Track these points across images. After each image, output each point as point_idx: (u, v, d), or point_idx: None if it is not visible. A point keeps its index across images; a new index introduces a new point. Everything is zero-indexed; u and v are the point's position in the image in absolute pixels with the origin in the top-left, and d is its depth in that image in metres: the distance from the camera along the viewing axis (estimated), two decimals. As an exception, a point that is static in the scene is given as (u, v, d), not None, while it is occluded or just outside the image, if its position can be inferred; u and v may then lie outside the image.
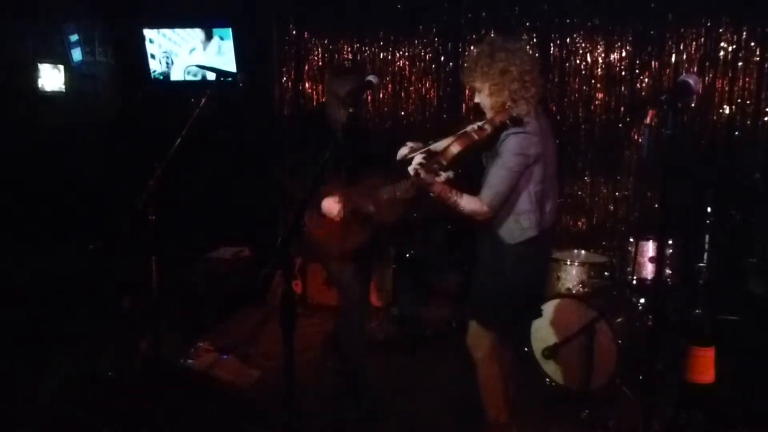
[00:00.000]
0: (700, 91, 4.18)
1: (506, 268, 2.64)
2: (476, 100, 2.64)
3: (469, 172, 2.68)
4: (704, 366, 2.84)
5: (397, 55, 5.22)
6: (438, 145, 2.66)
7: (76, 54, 5.24)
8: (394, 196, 2.97)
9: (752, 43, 4.23)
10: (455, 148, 2.51)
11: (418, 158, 2.57)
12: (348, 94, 3.11)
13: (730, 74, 4.31)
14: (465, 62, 2.65)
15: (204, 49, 5.40)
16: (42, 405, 3.16)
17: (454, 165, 2.56)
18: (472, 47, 2.83)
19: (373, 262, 3.63)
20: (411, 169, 2.57)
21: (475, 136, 2.52)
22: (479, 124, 2.57)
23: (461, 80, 2.71)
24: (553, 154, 2.67)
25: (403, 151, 2.71)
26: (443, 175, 2.56)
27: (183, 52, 5.45)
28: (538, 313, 3.06)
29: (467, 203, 2.55)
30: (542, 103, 2.63)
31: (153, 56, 5.50)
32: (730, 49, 4.29)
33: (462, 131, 2.58)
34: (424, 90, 5.20)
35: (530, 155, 2.51)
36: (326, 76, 4.53)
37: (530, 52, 2.71)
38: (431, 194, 2.57)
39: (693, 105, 4.36)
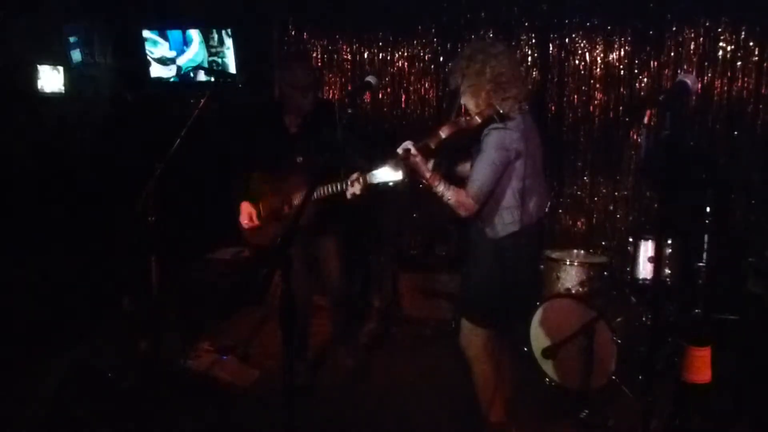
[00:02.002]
0: (698, 90, 4.19)
1: (490, 264, 2.67)
2: (462, 101, 2.71)
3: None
4: (700, 366, 2.84)
5: (396, 55, 5.22)
6: None
7: (76, 55, 5.24)
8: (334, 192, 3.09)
9: (751, 43, 4.23)
10: (443, 133, 2.57)
11: (407, 142, 2.60)
12: (305, 82, 3.17)
13: (729, 74, 4.31)
14: (451, 64, 2.73)
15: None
16: (41, 405, 3.17)
17: (441, 150, 2.61)
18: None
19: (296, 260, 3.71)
20: (401, 149, 2.58)
21: (463, 124, 2.59)
22: (461, 118, 2.65)
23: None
24: (537, 152, 2.71)
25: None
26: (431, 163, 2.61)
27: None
28: (529, 310, 3.05)
29: (453, 194, 2.58)
30: (528, 102, 2.68)
31: (154, 58, 5.50)
32: (729, 49, 4.29)
33: (448, 122, 2.65)
34: (423, 90, 5.20)
35: (511, 150, 2.56)
36: (279, 67, 4.25)
37: (511, 55, 2.78)
38: (422, 179, 2.60)
39: (691, 105, 4.36)
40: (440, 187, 2.59)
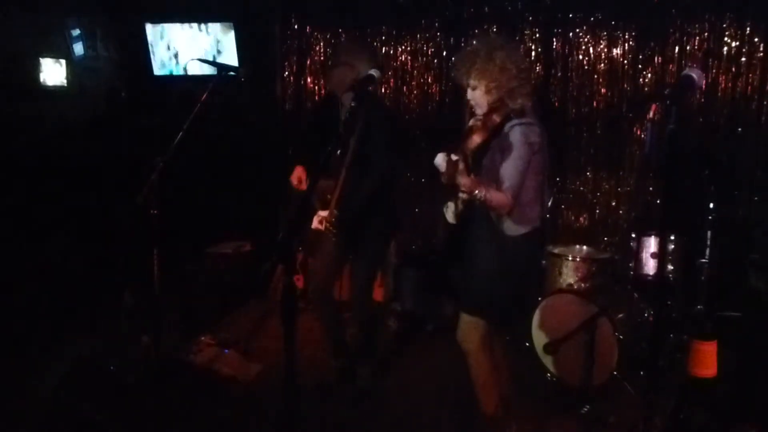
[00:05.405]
0: (704, 85, 4.17)
1: (506, 260, 2.64)
2: (468, 97, 2.64)
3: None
4: (707, 360, 2.84)
5: (400, 49, 5.21)
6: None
7: (78, 48, 5.24)
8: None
9: (756, 39, 4.22)
10: (477, 138, 2.51)
11: (444, 155, 2.44)
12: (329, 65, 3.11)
13: (733, 70, 4.29)
14: (458, 61, 2.63)
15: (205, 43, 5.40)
16: (43, 400, 3.17)
17: (473, 156, 2.55)
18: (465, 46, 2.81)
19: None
20: (443, 162, 2.41)
21: (489, 125, 2.53)
22: (481, 117, 2.58)
23: (452, 77, 2.68)
24: (547, 147, 2.68)
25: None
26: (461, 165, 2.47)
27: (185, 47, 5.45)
28: (531, 305, 3.04)
29: (494, 196, 2.50)
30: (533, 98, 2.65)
31: (153, 51, 5.49)
32: (733, 44, 4.27)
33: (474, 125, 2.57)
34: (426, 85, 5.19)
35: (534, 143, 2.54)
36: (345, 44, 4.11)
37: (520, 50, 2.73)
38: (463, 186, 2.46)
39: (696, 100, 4.35)
40: (482, 192, 2.46)
